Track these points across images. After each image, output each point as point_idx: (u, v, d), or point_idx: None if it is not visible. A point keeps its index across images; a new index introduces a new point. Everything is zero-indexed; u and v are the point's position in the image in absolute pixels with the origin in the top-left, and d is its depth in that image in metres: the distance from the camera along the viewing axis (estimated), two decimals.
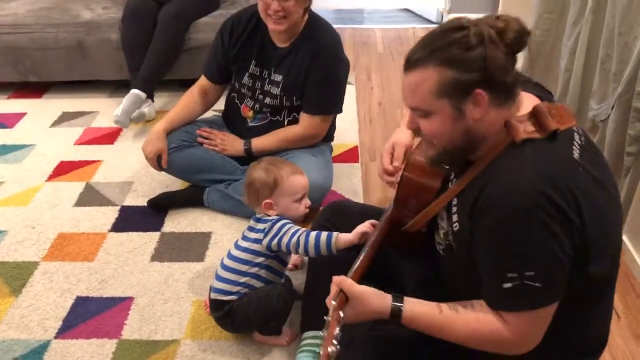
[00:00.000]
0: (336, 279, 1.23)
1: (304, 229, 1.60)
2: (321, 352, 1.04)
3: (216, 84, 2.28)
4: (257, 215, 1.68)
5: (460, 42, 1.08)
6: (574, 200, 1.06)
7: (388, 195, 1.62)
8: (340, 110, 2.25)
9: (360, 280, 1.29)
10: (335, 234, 1.55)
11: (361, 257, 1.35)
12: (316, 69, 2.08)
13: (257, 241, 1.62)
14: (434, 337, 1.21)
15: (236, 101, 2.28)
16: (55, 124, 2.92)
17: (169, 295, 1.88)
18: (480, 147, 1.17)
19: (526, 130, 1.12)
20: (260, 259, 1.63)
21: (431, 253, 1.41)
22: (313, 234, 1.56)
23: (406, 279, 1.61)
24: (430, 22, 4.19)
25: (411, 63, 1.13)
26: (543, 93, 1.26)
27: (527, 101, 1.17)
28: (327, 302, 1.23)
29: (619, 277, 1.26)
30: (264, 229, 1.62)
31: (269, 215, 1.65)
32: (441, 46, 1.09)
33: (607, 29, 2.11)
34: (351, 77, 3.31)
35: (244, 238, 1.66)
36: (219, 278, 1.65)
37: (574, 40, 2.43)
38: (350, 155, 2.61)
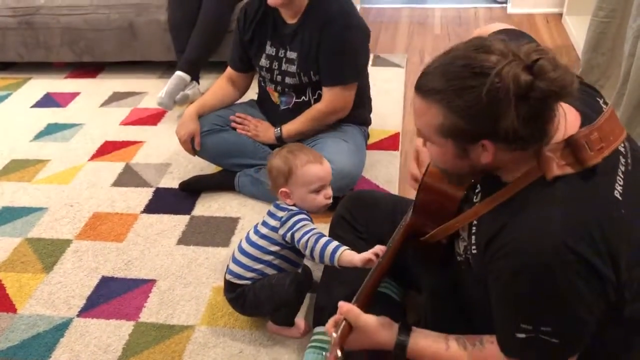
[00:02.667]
0: (343, 308, 1.17)
1: (316, 230, 1.54)
2: None
3: (241, 73, 2.26)
4: (278, 202, 1.64)
5: (474, 92, 0.93)
6: (609, 253, 0.94)
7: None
8: (359, 79, 2.13)
9: (369, 303, 1.23)
10: (341, 249, 1.46)
11: (369, 280, 1.28)
12: (326, 39, 2.00)
13: (275, 229, 1.59)
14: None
15: (262, 84, 2.25)
16: (105, 103, 2.99)
17: (190, 280, 1.88)
18: (503, 172, 1.05)
19: (559, 164, 0.97)
20: (275, 248, 1.59)
21: (450, 259, 1.33)
22: (322, 241, 1.49)
23: (423, 284, 1.54)
24: (495, 1, 3.96)
25: (421, 90, 1.01)
26: (587, 102, 1.09)
27: (568, 120, 1.01)
28: (328, 332, 1.19)
29: None
30: (282, 217, 1.58)
31: (288, 204, 1.61)
32: (452, 90, 0.96)
33: None
34: (401, 60, 3.20)
35: (264, 224, 1.63)
36: (235, 261, 1.63)
37: None
38: (391, 142, 2.51)
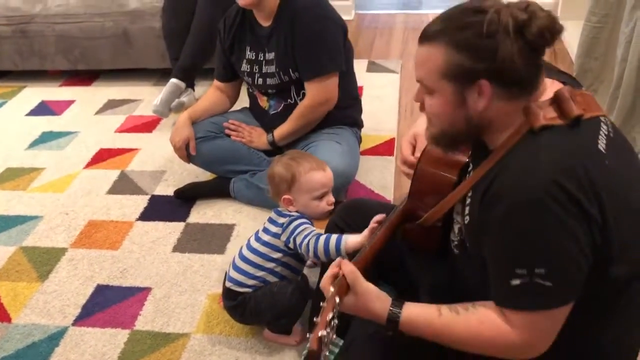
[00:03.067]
0: (346, 266, 1.15)
1: (317, 231, 1.55)
2: (311, 337, 0.99)
3: (227, 82, 2.28)
4: (279, 209, 1.64)
5: (474, 27, 1.00)
6: (594, 195, 0.97)
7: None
8: (338, 68, 2.12)
9: (365, 274, 1.20)
10: (344, 236, 1.48)
11: (367, 248, 1.28)
12: (298, 32, 2.02)
13: (276, 236, 1.59)
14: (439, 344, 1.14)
15: (250, 91, 2.27)
16: (100, 111, 2.99)
17: (185, 287, 1.88)
18: (494, 135, 1.09)
19: (546, 116, 1.03)
20: (277, 255, 1.59)
21: (446, 254, 1.34)
22: (322, 237, 1.50)
23: (420, 283, 1.54)
24: None
25: (425, 36, 1.07)
26: (570, 81, 1.16)
27: (551, 88, 1.08)
28: (322, 286, 1.16)
29: None
30: (283, 224, 1.58)
31: (290, 211, 1.61)
32: (454, 27, 1.02)
33: None
34: (396, 65, 3.21)
35: (265, 230, 1.63)
36: (236, 268, 1.62)
37: (632, 26, 2.22)
38: (386, 148, 2.52)
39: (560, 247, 0.97)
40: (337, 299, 1.07)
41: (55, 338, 1.73)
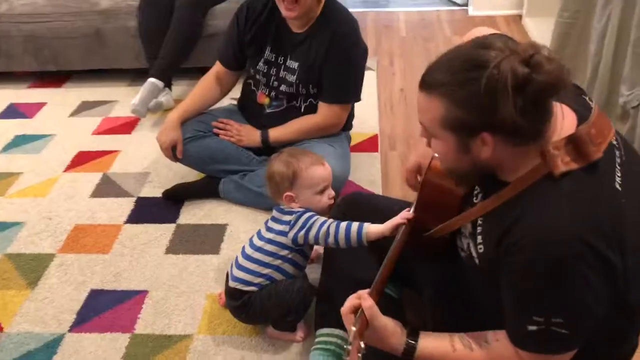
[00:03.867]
0: (366, 301, 1.16)
1: (332, 219, 1.56)
2: None
3: (231, 70, 2.23)
4: (282, 207, 1.63)
5: (473, 83, 0.97)
6: (617, 242, 0.98)
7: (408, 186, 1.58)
8: (359, 99, 2.19)
9: (380, 299, 1.23)
10: (366, 225, 1.49)
11: (380, 272, 1.29)
12: (333, 56, 2.02)
13: (283, 233, 1.58)
14: None
15: (252, 88, 2.23)
16: (75, 113, 2.92)
17: (183, 289, 1.86)
18: (504, 171, 1.09)
19: (564, 160, 1.01)
20: (284, 252, 1.59)
21: (451, 253, 1.35)
22: (343, 224, 1.50)
23: (424, 280, 1.56)
24: (456, 3, 4.06)
25: (425, 84, 1.05)
26: (576, 97, 1.14)
27: (562, 117, 1.05)
28: (343, 314, 1.19)
29: None
30: (290, 221, 1.57)
31: (293, 208, 1.61)
32: (455, 82, 1.00)
33: None
34: (372, 63, 3.24)
35: (269, 229, 1.62)
36: (240, 267, 1.61)
37: (604, 22, 2.32)
38: (370, 145, 2.54)
39: (580, 301, 1.00)
40: (362, 344, 1.07)
41: (52, 346, 1.69)
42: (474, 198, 1.23)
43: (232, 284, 1.61)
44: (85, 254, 2.02)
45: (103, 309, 1.80)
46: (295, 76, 2.08)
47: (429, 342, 1.18)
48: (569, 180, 1.01)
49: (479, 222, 1.17)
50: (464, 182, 1.22)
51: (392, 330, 1.18)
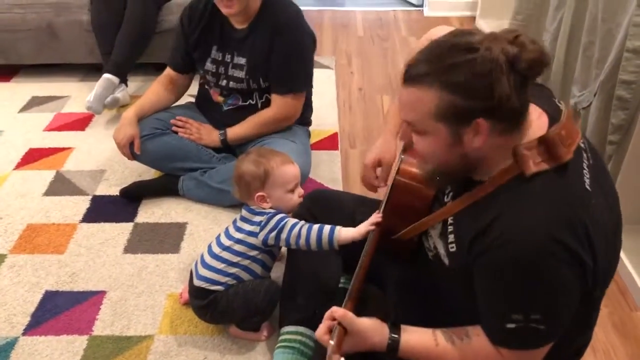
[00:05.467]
0: (337, 313, 1.16)
1: (303, 221, 1.54)
2: None
3: (182, 74, 2.22)
4: (252, 207, 1.60)
5: (467, 66, 0.97)
6: (588, 241, 1.01)
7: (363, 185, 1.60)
8: (310, 86, 2.17)
9: (356, 306, 1.23)
10: (338, 228, 1.48)
11: (353, 281, 1.29)
12: (278, 46, 2.00)
13: (252, 234, 1.56)
14: None
15: (206, 87, 2.21)
16: (25, 109, 2.82)
17: (142, 289, 1.82)
18: (481, 168, 1.10)
19: (535, 161, 1.03)
20: (254, 252, 1.57)
21: (416, 254, 1.37)
22: (315, 227, 1.50)
23: (389, 278, 1.56)
24: (412, 4, 4.12)
25: (411, 77, 1.03)
26: (549, 101, 1.16)
27: (535, 119, 1.08)
28: (318, 337, 1.18)
29: None
30: (261, 222, 1.55)
31: (264, 208, 1.59)
32: (445, 67, 0.99)
33: (590, 15, 2.07)
34: (330, 62, 3.25)
35: (238, 229, 1.59)
36: (207, 266, 1.58)
37: (556, 25, 2.39)
38: (330, 142, 2.55)
39: (556, 296, 1.02)
40: (342, 359, 1.07)
41: (5, 350, 1.63)
42: (445, 197, 1.24)
43: (197, 282, 1.59)
44: (39, 254, 1.95)
45: (59, 310, 1.75)
46: (243, 72, 2.07)
47: (411, 336, 1.18)
48: (541, 180, 1.03)
49: (450, 221, 1.18)
50: (441, 182, 1.20)
51: (372, 330, 1.18)
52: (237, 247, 1.57)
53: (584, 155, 1.11)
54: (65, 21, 2.88)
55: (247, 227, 1.58)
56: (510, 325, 1.04)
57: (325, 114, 2.73)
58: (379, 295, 1.64)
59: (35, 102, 2.87)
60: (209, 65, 2.11)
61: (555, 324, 1.05)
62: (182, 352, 1.63)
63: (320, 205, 1.66)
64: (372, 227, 1.40)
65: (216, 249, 1.59)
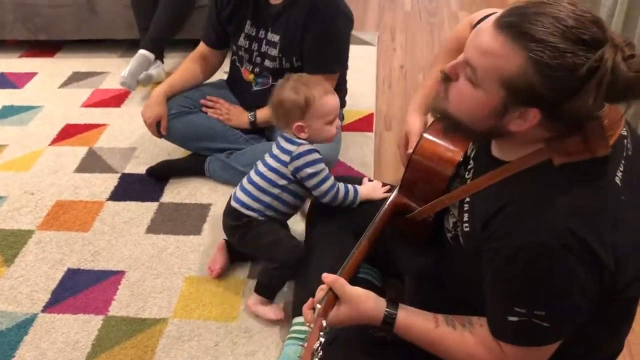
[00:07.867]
0: (328, 278, 1.13)
1: (332, 177, 1.59)
2: None
3: (215, 49, 2.16)
4: (287, 135, 1.60)
5: (571, 58, 0.86)
6: (610, 241, 0.92)
7: (402, 169, 1.49)
8: (344, 68, 2.09)
9: (351, 279, 1.19)
10: (359, 187, 1.60)
11: (351, 259, 1.25)
12: (313, 25, 1.92)
13: (285, 164, 1.58)
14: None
15: (237, 64, 2.15)
16: (65, 84, 2.85)
17: (160, 271, 1.81)
18: (508, 146, 1.02)
19: (569, 148, 0.94)
20: (283, 182, 1.60)
21: (436, 239, 1.31)
22: (341, 185, 1.58)
23: (405, 267, 1.51)
24: None
25: (508, 26, 0.90)
26: None
27: None
28: (305, 313, 1.16)
29: None
30: (293, 152, 1.56)
31: (300, 138, 1.58)
32: (554, 47, 0.86)
33: None
34: (372, 38, 3.13)
35: (273, 156, 1.61)
36: (243, 189, 1.63)
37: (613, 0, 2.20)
38: (365, 124, 2.46)
39: (564, 294, 0.94)
40: (324, 322, 1.02)
41: (23, 326, 1.65)
42: (466, 173, 1.17)
43: (233, 204, 1.63)
44: (65, 231, 1.97)
45: (78, 289, 1.76)
46: (277, 49, 1.99)
47: (410, 314, 1.12)
48: (568, 170, 0.95)
49: (467, 200, 1.11)
50: (459, 133, 1.09)
51: (365, 298, 1.13)
52: (270, 175, 1.60)
53: (626, 143, 1.01)
54: None
55: (282, 156, 1.59)
56: (512, 318, 0.97)
57: (362, 92, 2.62)
58: (398, 286, 1.58)
59: (75, 78, 2.89)
60: (242, 41, 2.05)
61: (561, 324, 0.97)
62: (194, 338, 1.60)
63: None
64: (389, 194, 1.38)
65: (253, 175, 1.63)
